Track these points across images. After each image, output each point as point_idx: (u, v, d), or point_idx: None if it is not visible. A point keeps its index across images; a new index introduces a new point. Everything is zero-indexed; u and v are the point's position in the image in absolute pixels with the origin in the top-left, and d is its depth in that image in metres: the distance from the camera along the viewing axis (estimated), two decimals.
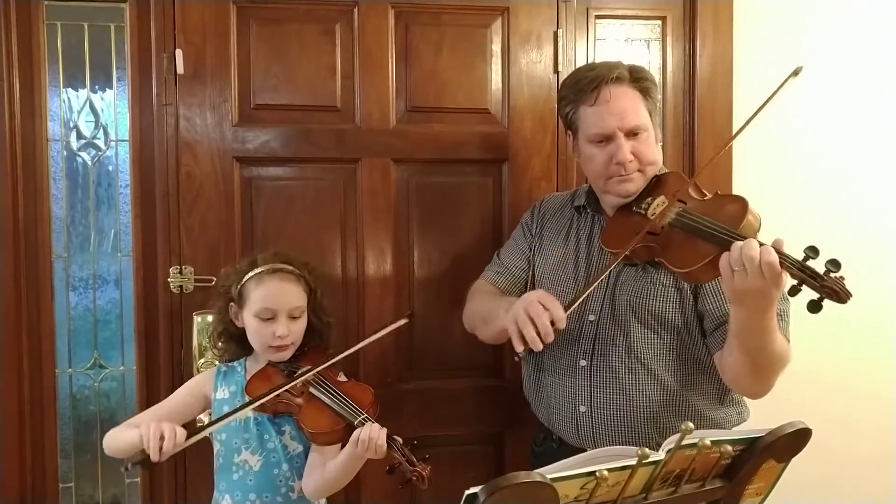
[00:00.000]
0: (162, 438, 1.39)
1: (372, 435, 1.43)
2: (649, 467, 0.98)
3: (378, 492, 2.06)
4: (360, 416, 1.48)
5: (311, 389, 1.57)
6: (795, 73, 1.46)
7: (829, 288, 1.22)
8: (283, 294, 1.63)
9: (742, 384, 1.51)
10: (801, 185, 2.25)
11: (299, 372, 1.58)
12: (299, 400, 1.56)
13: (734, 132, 1.59)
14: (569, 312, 1.45)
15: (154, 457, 1.39)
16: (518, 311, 1.45)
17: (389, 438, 1.44)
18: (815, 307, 1.23)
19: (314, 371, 1.56)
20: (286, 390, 1.53)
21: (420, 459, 1.41)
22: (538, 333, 1.41)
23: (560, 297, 1.50)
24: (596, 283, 1.52)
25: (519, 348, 1.44)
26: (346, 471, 1.51)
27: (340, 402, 1.53)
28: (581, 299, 1.49)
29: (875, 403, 2.31)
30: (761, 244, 1.27)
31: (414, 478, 1.40)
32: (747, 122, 1.48)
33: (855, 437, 2.27)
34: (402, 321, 1.64)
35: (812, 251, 1.25)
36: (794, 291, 1.26)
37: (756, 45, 2.18)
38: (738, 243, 1.28)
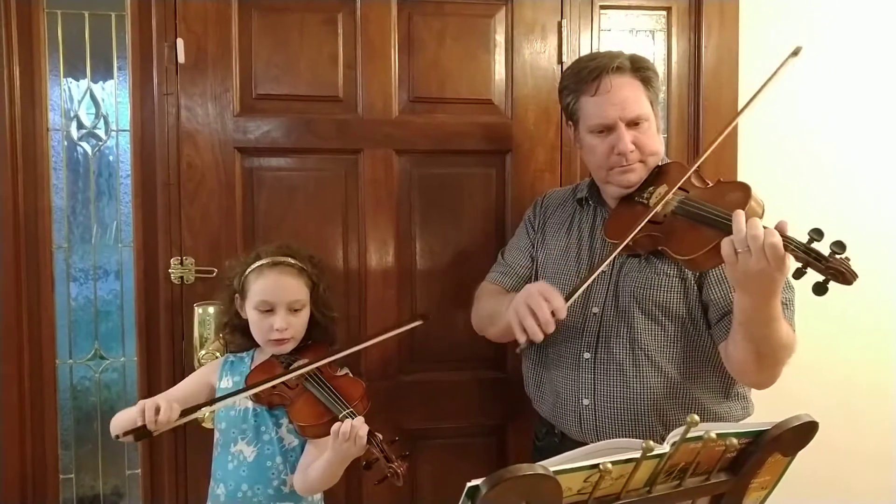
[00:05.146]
0: (157, 411, 1.43)
1: (353, 426, 1.43)
2: (654, 460, 0.96)
3: (379, 490, 2.05)
4: (345, 410, 1.49)
5: (305, 383, 1.58)
6: (795, 52, 1.45)
7: (834, 269, 1.20)
8: (282, 287, 1.63)
9: (747, 374, 1.50)
10: (805, 177, 2.23)
11: (295, 365, 1.59)
12: (293, 393, 1.57)
13: (735, 117, 1.59)
14: (569, 303, 1.44)
15: (150, 426, 1.43)
16: (519, 304, 1.46)
17: (370, 434, 1.44)
18: (820, 289, 1.22)
19: (311, 366, 1.56)
20: (280, 382, 1.54)
21: (399, 457, 1.41)
22: (539, 324, 1.41)
23: (562, 290, 1.49)
24: (596, 273, 1.51)
25: (521, 339, 1.44)
26: (330, 467, 1.50)
27: (330, 395, 1.54)
28: (581, 290, 1.48)
29: (878, 398, 2.31)
30: (765, 227, 1.26)
31: (389, 474, 1.40)
32: (747, 104, 1.48)
33: (858, 431, 2.26)
34: (417, 322, 1.64)
35: (816, 233, 1.24)
36: (798, 274, 1.25)
37: (762, 36, 2.16)
38: (742, 223, 1.27)
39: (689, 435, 0.95)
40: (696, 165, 1.54)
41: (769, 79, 1.45)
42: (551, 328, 1.42)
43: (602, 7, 2.15)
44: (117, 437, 1.49)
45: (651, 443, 0.93)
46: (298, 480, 1.58)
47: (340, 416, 1.48)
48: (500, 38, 2.09)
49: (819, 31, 2.21)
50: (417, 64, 2.06)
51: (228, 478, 1.61)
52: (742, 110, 1.49)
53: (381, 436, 1.45)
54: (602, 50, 2.07)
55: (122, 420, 1.55)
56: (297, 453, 1.61)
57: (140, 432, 1.44)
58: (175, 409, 1.46)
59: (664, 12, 2.19)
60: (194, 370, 1.87)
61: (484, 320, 1.79)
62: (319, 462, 1.51)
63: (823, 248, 1.23)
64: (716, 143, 1.50)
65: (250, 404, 1.61)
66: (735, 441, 1.01)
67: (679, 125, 2.19)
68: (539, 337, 1.42)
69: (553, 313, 1.42)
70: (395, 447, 1.43)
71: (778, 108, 2.15)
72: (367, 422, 1.46)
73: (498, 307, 1.66)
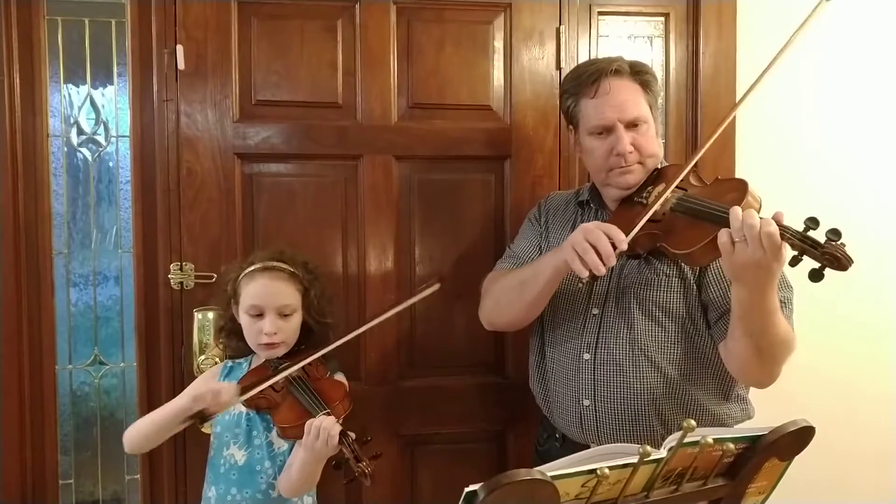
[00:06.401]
0: (218, 393, 1.46)
1: (323, 425, 1.44)
2: (651, 465, 0.97)
3: (379, 492, 2.06)
4: (322, 412, 1.50)
5: (290, 386, 1.59)
6: None
7: (829, 255, 1.22)
8: (271, 291, 1.64)
9: (747, 371, 1.50)
10: (804, 179, 2.23)
11: (279, 368, 1.60)
12: (279, 396, 1.58)
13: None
14: (629, 237, 1.42)
15: (212, 409, 1.45)
16: (577, 239, 1.42)
17: (342, 433, 1.44)
18: (816, 276, 1.23)
19: (293, 368, 1.57)
20: (267, 386, 1.55)
21: (370, 457, 1.42)
22: (601, 258, 1.38)
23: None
24: (656, 206, 1.47)
25: (583, 274, 1.40)
26: (304, 467, 1.51)
27: (310, 397, 1.55)
28: (641, 223, 1.44)
29: (877, 401, 2.30)
30: (762, 218, 1.27)
31: (357, 473, 1.40)
32: (773, 60, 1.46)
33: (857, 435, 2.26)
34: (435, 286, 1.63)
35: (812, 222, 1.25)
36: (794, 262, 1.26)
37: (760, 42, 2.16)
38: (738, 213, 1.28)
39: (685, 440, 0.96)
40: (702, 152, 1.52)
41: (801, 25, 1.47)
42: (613, 261, 1.39)
43: (600, 13, 2.16)
44: (182, 421, 1.51)
45: (648, 448, 0.94)
46: (281, 480, 1.59)
47: (317, 417, 1.49)
48: (498, 44, 2.10)
49: (817, 36, 2.21)
50: (416, 70, 2.06)
51: (219, 481, 1.63)
52: (754, 83, 1.46)
53: (353, 435, 1.45)
54: (600, 56, 2.08)
55: (156, 423, 1.58)
56: (285, 457, 1.61)
57: (204, 415, 1.46)
58: (236, 386, 1.50)
59: (662, 18, 2.19)
60: (194, 376, 1.88)
61: (510, 293, 1.67)
62: (296, 462, 1.53)
63: (819, 236, 1.24)
64: (721, 126, 1.46)
65: (243, 409, 1.62)
66: (732, 446, 1.01)
67: (677, 131, 2.20)
68: (602, 270, 1.38)
69: (614, 246, 1.39)
70: (367, 448, 1.44)
71: (776, 110, 2.16)
72: (365, 426, 1.47)
73: (528, 271, 1.62)
